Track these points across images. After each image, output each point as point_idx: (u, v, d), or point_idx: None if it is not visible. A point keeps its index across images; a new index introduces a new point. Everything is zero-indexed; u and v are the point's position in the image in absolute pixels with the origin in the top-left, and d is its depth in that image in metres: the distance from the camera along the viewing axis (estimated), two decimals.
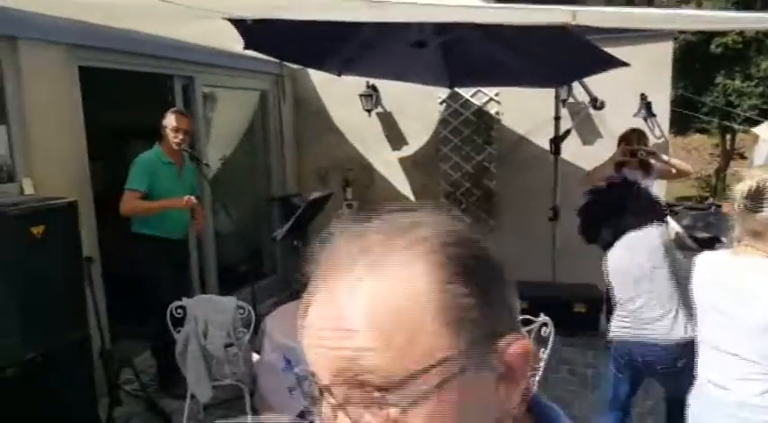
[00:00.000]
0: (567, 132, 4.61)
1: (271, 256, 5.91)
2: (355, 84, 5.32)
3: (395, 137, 5.63)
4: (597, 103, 4.66)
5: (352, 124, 5.74)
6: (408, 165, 5.63)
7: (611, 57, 3.54)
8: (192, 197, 3.31)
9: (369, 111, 5.51)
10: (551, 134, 4.91)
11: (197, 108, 4.48)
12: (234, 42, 4.40)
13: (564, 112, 4.76)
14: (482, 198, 5.30)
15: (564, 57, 3.85)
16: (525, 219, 5.21)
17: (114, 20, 3.24)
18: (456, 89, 5.21)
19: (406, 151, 5.62)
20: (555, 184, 4.64)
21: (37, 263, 2.43)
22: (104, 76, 3.67)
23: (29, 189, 3.05)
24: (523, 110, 5.08)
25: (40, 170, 3.14)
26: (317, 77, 5.77)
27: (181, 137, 3.37)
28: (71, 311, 2.68)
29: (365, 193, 5.74)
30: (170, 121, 3.34)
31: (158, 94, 4.31)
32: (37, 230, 2.39)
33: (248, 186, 5.75)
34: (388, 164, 5.70)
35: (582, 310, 4.38)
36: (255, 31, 3.68)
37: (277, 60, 5.41)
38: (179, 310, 2.72)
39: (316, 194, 3.64)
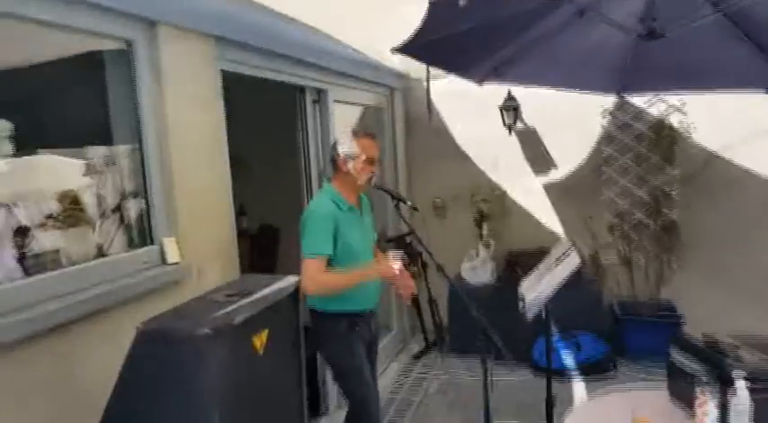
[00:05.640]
0: None
1: (385, 309, 4.81)
2: (485, 97, 4.29)
3: (539, 158, 4.60)
4: None
5: (482, 145, 4.72)
6: (558, 192, 4.58)
7: None
8: (400, 263, 2.21)
9: (510, 127, 4.49)
10: (758, 150, 3.90)
11: (329, 129, 3.43)
12: (381, 42, 3.44)
13: None
14: (661, 232, 4.23)
15: None
16: (723, 258, 4.13)
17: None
18: (626, 97, 4.20)
19: (555, 176, 4.58)
20: None
21: (258, 390, 1.35)
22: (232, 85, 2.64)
23: (173, 255, 1.98)
24: (718, 121, 4.06)
25: (185, 223, 2.07)
26: (437, 90, 4.77)
27: (375, 170, 2.31)
28: None
29: (498, 228, 4.69)
30: (362, 147, 2.25)
31: (287, 112, 3.30)
32: (260, 340, 1.31)
33: None
34: (529, 192, 4.65)
35: None
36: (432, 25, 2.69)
37: (400, 71, 4.46)
38: None
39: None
